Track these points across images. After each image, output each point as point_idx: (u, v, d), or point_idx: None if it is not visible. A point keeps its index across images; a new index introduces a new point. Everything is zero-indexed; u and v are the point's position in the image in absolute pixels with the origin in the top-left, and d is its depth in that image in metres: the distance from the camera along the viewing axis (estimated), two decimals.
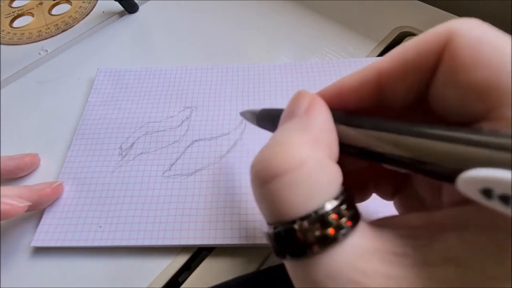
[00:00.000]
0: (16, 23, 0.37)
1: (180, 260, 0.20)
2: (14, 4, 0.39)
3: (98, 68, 0.30)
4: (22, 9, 0.39)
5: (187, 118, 0.26)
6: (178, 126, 0.25)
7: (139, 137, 0.25)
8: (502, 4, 0.31)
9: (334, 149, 0.11)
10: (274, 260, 0.20)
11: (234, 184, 0.22)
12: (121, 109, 0.27)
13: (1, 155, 0.23)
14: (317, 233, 0.09)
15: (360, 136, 0.11)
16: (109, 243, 0.20)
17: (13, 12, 0.38)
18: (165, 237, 0.20)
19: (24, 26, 0.37)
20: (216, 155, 0.24)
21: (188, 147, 0.24)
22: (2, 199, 0.19)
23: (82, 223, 0.21)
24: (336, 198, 0.10)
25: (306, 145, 0.10)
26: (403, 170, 0.10)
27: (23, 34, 0.36)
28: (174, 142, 0.25)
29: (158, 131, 0.25)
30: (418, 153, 0.09)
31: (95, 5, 0.38)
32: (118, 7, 0.36)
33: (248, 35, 0.33)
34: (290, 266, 0.10)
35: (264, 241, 0.20)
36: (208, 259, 0.20)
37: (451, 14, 0.32)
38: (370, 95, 0.12)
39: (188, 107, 0.27)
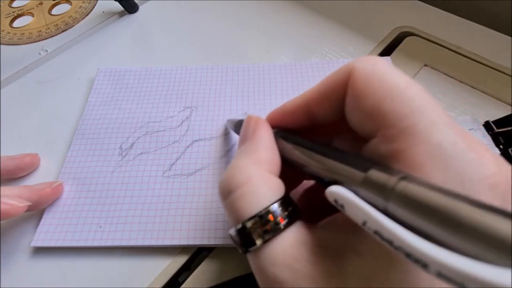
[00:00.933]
0: (16, 23, 0.37)
1: (180, 260, 0.20)
2: (14, 4, 0.39)
3: (98, 68, 0.30)
4: (22, 9, 0.39)
5: (187, 118, 0.26)
6: (178, 126, 0.25)
7: (139, 137, 0.25)
8: (502, 4, 0.31)
9: (275, 163, 0.14)
10: None
11: None
12: (121, 109, 0.27)
13: (1, 155, 0.23)
14: (259, 230, 0.12)
15: (289, 149, 0.15)
16: (109, 243, 0.20)
17: (13, 12, 0.38)
18: (165, 237, 0.20)
19: (24, 26, 0.37)
20: (216, 155, 0.24)
21: (188, 147, 0.24)
22: (2, 199, 0.19)
23: (82, 223, 0.21)
24: (275, 203, 0.13)
25: (251, 166, 0.14)
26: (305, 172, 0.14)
27: (23, 34, 0.36)
28: (174, 142, 0.25)
29: (158, 131, 0.25)
30: (312, 164, 0.13)
31: (95, 5, 0.38)
32: (118, 7, 0.36)
33: (248, 35, 0.33)
34: (249, 260, 0.13)
35: None
36: (208, 259, 0.20)
37: (451, 14, 0.32)
38: (303, 116, 0.15)
39: (188, 107, 0.27)
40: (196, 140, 0.25)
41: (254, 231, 0.12)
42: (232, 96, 0.27)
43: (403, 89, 0.12)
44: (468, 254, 0.08)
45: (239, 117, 0.25)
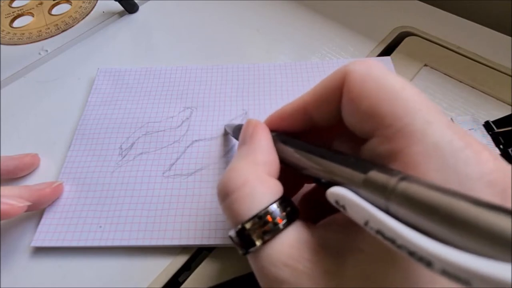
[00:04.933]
0: (16, 23, 0.37)
1: (180, 260, 0.20)
2: (14, 4, 0.39)
3: (98, 68, 0.30)
4: (22, 9, 0.39)
5: (187, 118, 0.26)
6: (178, 127, 0.25)
7: (139, 137, 0.25)
8: (502, 4, 0.31)
9: (273, 165, 0.15)
10: None
11: None
12: (121, 109, 0.27)
13: (1, 155, 0.23)
14: (258, 230, 0.12)
15: (288, 152, 0.15)
16: (109, 243, 0.20)
17: (13, 12, 0.38)
18: (165, 237, 0.20)
19: (24, 26, 0.37)
20: (216, 155, 0.24)
21: (188, 147, 0.24)
22: (2, 199, 0.19)
23: (82, 223, 0.21)
24: (273, 203, 0.13)
25: (249, 168, 0.14)
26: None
27: (23, 34, 0.36)
28: (174, 142, 0.25)
29: (158, 131, 0.25)
30: (312, 167, 0.13)
31: (95, 5, 0.38)
32: (118, 7, 0.36)
33: (248, 35, 0.33)
34: (250, 260, 0.13)
35: None
36: (208, 259, 0.20)
37: (451, 14, 0.32)
38: (301, 119, 0.15)
39: (188, 107, 0.27)
40: (196, 140, 0.25)
41: (253, 232, 0.12)
42: (232, 96, 0.27)
43: (399, 90, 0.12)
44: (470, 251, 0.08)
45: (237, 121, 0.25)
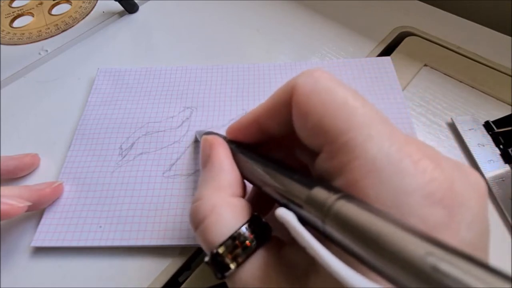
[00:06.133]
0: (16, 23, 0.37)
1: (180, 260, 0.20)
2: (14, 4, 0.39)
3: (98, 68, 0.30)
4: (22, 9, 0.39)
5: (187, 118, 0.26)
6: (179, 127, 0.25)
7: (139, 137, 0.25)
8: (502, 4, 0.31)
9: (237, 184, 0.15)
10: None
11: None
12: (121, 109, 0.27)
13: (1, 155, 0.23)
14: (230, 254, 0.12)
15: (246, 164, 0.15)
16: (109, 243, 0.20)
17: (13, 12, 0.38)
18: (165, 237, 0.20)
19: (24, 26, 0.37)
20: None
21: (188, 147, 0.24)
22: (2, 199, 0.19)
23: (82, 223, 0.21)
24: (242, 226, 0.13)
25: (213, 194, 0.14)
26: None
27: (23, 34, 0.36)
28: (174, 143, 0.25)
29: (158, 131, 0.25)
30: (264, 180, 0.14)
31: (95, 5, 0.38)
32: (118, 7, 0.36)
33: (248, 35, 0.33)
34: (228, 285, 0.13)
35: None
36: None
37: (451, 14, 0.32)
38: (256, 131, 0.15)
39: (189, 108, 0.27)
40: (196, 141, 0.25)
41: (226, 256, 0.12)
42: (232, 96, 0.27)
43: (342, 104, 0.12)
44: (391, 277, 0.08)
45: (208, 128, 0.25)
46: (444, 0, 0.33)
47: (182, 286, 0.19)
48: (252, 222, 0.13)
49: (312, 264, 0.12)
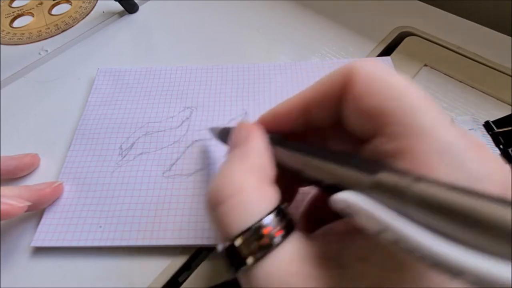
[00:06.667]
0: (16, 23, 0.37)
1: (180, 260, 0.20)
2: (14, 4, 0.39)
3: (98, 68, 0.30)
4: (22, 9, 0.39)
5: (187, 118, 0.26)
6: (178, 127, 0.25)
7: (139, 137, 0.25)
8: (502, 4, 0.31)
9: (268, 171, 0.13)
10: None
11: None
12: (121, 109, 0.27)
13: (1, 155, 0.23)
14: (251, 246, 0.11)
15: (287, 155, 0.14)
16: (109, 243, 0.20)
17: (13, 12, 0.38)
18: (165, 237, 0.20)
19: (24, 26, 0.37)
20: (216, 155, 0.24)
21: (188, 147, 0.24)
22: (2, 199, 0.19)
23: (82, 223, 0.21)
24: (269, 214, 0.11)
25: (244, 173, 0.13)
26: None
27: (23, 34, 0.36)
28: (174, 142, 0.25)
29: (158, 131, 0.25)
30: (314, 170, 0.12)
31: (95, 5, 0.38)
32: (118, 7, 0.36)
33: (248, 35, 0.33)
34: (241, 280, 0.12)
35: None
36: (208, 259, 0.20)
37: (451, 14, 0.32)
38: (299, 119, 0.14)
39: (188, 107, 0.27)
40: (196, 140, 0.25)
41: (246, 248, 0.11)
42: (232, 96, 0.27)
43: (405, 89, 0.12)
44: (491, 253, 0.07)
45: (237, 121, 0.25)
46: (444, 0, 0.33)
47: (182, 286, 0.19)
48: (280, 211, 0.12)
49: (350, 255, 0.11)
